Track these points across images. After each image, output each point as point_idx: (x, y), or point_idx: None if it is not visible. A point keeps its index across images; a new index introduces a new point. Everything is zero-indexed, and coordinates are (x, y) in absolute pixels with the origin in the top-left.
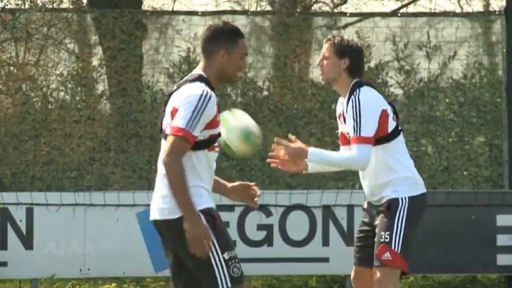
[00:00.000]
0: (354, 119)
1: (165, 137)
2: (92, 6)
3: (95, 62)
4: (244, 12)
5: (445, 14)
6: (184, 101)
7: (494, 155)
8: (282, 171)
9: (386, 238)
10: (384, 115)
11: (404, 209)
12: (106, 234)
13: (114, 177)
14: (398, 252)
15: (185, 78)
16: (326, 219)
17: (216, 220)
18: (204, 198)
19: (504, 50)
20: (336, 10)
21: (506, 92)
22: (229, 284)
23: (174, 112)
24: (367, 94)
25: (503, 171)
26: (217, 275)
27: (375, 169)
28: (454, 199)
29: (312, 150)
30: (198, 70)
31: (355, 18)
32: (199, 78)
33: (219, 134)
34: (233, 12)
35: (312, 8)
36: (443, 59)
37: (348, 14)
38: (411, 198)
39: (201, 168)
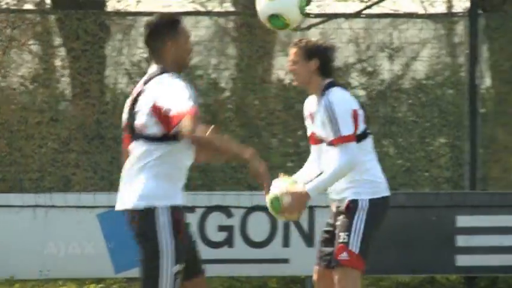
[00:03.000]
0: (330, 121)
1: (138, 137)
2: (55, 8)
3: (58, 63)
4: (207, 13)
5: (408, 16)
6: (168, 89)
7: (455, 156)
8: (244, 173)
9: (345, 238)
10: (354, 115)
11: (364, 210)
12: (67, 235)
13: (75, 179)
14: (356, 252)
15: (147, 77)
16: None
17: (181, 227)
18: (179, 194)
19: (467, 51)
20: None
21: (468, 93)
22: None
23: (155, 109)
24: (338, 94)
25: (463, 172)
26: (162, 284)
27: None
28: (415, 200)
29: (310, 189)
30: (155, 67)
31: (318, 20)
32: (165, 71)
33: None
34: (196, 13)
35: None
36: (406, 60)
37: (311, 15)
38: (371, 201)
39: (182, 162)
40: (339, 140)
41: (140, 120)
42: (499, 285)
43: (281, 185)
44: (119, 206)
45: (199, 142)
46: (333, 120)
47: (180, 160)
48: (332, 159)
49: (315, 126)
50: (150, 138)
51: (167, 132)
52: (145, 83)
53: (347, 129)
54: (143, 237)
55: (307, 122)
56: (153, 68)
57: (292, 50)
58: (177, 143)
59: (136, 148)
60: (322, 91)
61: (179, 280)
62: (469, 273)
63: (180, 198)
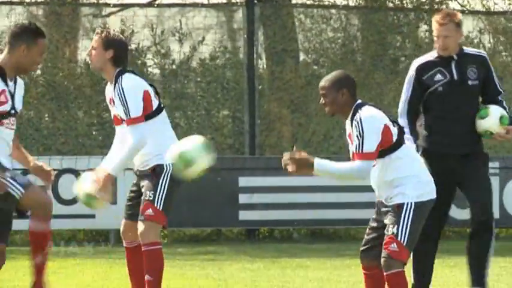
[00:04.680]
0: (122, 104)
1: None
2: None
3: None
4: (21, 3)
5: (195, 5)
6: None
7: (236, 126)
8: (54, 140)
9: (150, 197)
10: (146, 95)
11: (167, 174)
12: None
13: None
14: (160, 209)
15: None
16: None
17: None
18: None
19: (245, 36)
20: (100, 1)
21: (246, 72)
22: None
23: None
24: (129, 79)
25: (244, 140)
26: None
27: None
28: None
29: (112, 168)
30: None
31: (117, 8)
32: None
33: (8, 113)
34: (10, 3)
35: None
36: (193, 44)
37: (111, 5)
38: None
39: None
40: (128, 121)
41: None
42: (275, 235)
43: (82, 184)
44: None
45: None
46: (124, 103)
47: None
48: (127, 137)
49: (117, 108)
50: None
51: None
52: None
53: (134, 111)
54: None
55: (110, 106)
56: None
57: (95, 38)
58: None
59: None
60: (115, 78)
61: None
62: (250, 226)
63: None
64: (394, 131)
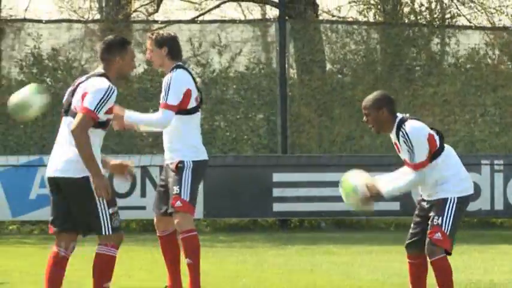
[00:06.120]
0: (164, 89)
1: (74, 114)
2: None
3: None
4: (79, 21)
5: (233, 21)
6: (92, 87)
7: (270, 128)
8: (109, 140)
9: (177, 191)
10: (187, 92)
11: (189, 169)
12: None
13: None
14: (188, 200)
15: (92, 73)
16: (144, 177)
17: None
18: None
19: (277, 48)
20: (150, 18)
21: (279, 80)
22: (110, 231)
23: (84, 96)
24: (180, 73)
25: (277, 141)
26: (102, 224)
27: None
28: (241, 161)
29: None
30: (100, 69)
31: (164, 24)
32: (104, 75)
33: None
34: (70, 20)
35: (132, 16)
36: (231, 55)
37: (159, 22)
38: (195, 162)
39: (96, 144)
40: (162, 105)
41: (74, 101)
42: (305, 225)
43: (358, 177)
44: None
45: (76, 138)
46: (166, 89)
47: (95, 138)
48: (157, 115)
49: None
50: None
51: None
52: (88, 77)
53: (171, 100)
54: None
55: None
56: (97, 69)
57: (148, 41)
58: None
59: (75, 120)
60: (170, 71)
61: (117, 219)
62: (283, 217)
63: None
64: (436, 137)
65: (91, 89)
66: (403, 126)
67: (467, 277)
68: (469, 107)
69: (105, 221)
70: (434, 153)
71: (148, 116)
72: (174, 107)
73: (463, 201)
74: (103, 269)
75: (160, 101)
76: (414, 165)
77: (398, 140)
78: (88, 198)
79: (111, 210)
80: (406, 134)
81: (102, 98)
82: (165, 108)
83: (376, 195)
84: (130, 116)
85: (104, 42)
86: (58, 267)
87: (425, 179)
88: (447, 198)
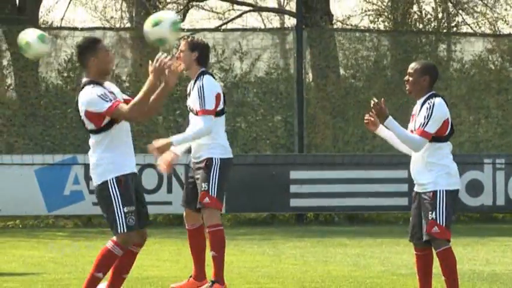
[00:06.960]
0: (199, 97)
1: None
2: (1, 23)
3: (5, 62)
4: (111, 28)
5: (253, 30)
6: (86, 104)
7: (288, 129)
8: (138, 140)
9: (205, 187)
10: (218, 96)
11: (217, 167)
12: (13, 185)
13: (17, 144)
14: (215, 196)
15: (83, 80)
16: (170, 174)
17: (121, 181)
18: (116, 166)
19: (295, 55)
20: None
21: (296, 85)
22: (125, 230)
23: (87, 114)
24: (210, 79)
25: (294, 141)
26: (115, 221)
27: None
28: (260, 160)
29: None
30: (84, 77)
31: (190, 32)
32: (87, 84)
33: None
34: (103, 28)
35: None
36: (251, 61)
37: (185, 30)
38: (222, 160)
39: (117, 141)
40: (200, 112)
41: (85, 123)
42: (320, 219)
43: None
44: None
45: (138, 107)
46: (201, 96)
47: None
48: (197, 123)
49: (189, 100)
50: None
51: (99, 126)
52: (79, 91)
53: (208, 105)
54: None
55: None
56: (83, 78)
57: (182, 42)
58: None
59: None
60: (197, 76)
61: (132, 218)
62: (299, 211)
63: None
64: (449, 127)
65: (88, 107)
66: (434, 97)
67: (471, 268)
68: (474, 110)
69: (118, 219)
70: (439, 138)
71: (191, 129)
72: (212, 112)
73: (451, 193)
74: (101, 260)
75: (198, 108)
76: (421, 131)
77: (421, 108)
78: (107, 201)
79: (125, 209)
80: (433, 104)
81: (102, 98)
82: (205, 114)
83: (384, 111)
84: (177, 139)
85: (76, 48)
86: (125, 259)
87: (415, 161)
88: (437, 191)
